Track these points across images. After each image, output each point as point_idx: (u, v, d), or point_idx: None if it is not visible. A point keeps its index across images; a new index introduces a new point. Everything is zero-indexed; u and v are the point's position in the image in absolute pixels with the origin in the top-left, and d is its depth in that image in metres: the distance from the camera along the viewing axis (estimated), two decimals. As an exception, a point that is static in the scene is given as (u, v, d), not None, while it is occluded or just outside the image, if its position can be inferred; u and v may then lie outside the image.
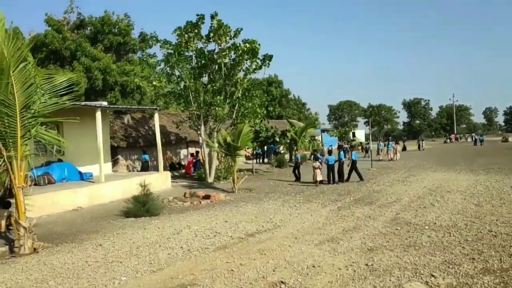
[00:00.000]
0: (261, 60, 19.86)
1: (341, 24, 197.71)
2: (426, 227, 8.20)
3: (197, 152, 23.19)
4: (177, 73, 19.41)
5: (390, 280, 5.37)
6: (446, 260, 6.07)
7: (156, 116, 17.97)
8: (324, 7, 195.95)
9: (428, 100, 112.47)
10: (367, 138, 50.61)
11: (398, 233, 7.86)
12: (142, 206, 10.85)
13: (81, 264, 6.70)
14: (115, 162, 20.81)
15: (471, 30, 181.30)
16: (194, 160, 22.70)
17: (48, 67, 21.33)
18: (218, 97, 18.82)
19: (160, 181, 16.68)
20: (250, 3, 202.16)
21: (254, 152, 28.19)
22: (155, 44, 19.67)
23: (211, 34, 19.09)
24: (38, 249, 7.67)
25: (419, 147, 41.89)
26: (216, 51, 19.36)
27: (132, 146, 22.08)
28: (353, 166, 17.37)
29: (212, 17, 18.96)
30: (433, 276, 5.44)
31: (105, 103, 17.49)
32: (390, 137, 72.14)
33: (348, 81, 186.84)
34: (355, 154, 18.87)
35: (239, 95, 19.88)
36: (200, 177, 19.98)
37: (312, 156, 24.42)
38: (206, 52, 19.43)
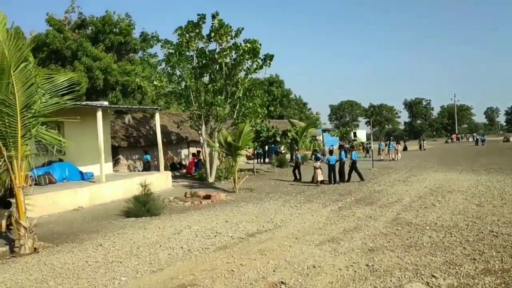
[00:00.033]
0: (262, 60, 19.84)
1: (342, 24, 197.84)
2: (427, 228, 8.17)
3: (198, 152, 23.17)
4: (178, 73, 19.40)
5: (390, 280, 5.35)
6: (447, 261, 6.05)
7: (157, 116, 17.98)
8: (324, 7, 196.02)
9: (430, 100, 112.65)
10: (368, 138, 50.60)
11: (399, 233, 7.84)
12: (142, 206, 10.85)
13: (81, 264, 6.70)
14: (116, 162, 20.82)
15: (472, 30, 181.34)
16: (195, 160, 22.69)
17: (49, 66, 21.38)
18: (219, 97, 18.80)
19: (161, 181, 16.67)
20: (250, 3, 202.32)
21: (255, 152, 28.18)
22: (156, 44, 19.68)
23: (212, 34, 19.08)
24: (38, 249, 7.67)
25: (420, 147, 41.84)
26: (217, 50, 19.34)
27: (133, 146, 22.08)
28: (353, 166, 17.34)
29: (213, 16, 18.95)
30: (434, 276, 5.42)
31: (106, 103, 17.51)
32: (391, 137, 72.13)
33: (349, 81, 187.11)
34: (355, 154, 18.84)
35: (240, 95, 19.86)
36: (201, 177, 19.98)
37: (313, 156, 24.39)
38: (207, 52, 19.41)
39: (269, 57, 19.95)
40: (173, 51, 18.75)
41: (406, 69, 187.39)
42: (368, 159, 25.91)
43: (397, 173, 19.37)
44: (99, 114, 14.34)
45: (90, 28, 25.35)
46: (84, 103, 15.53)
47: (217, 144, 17.87)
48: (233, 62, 19.47)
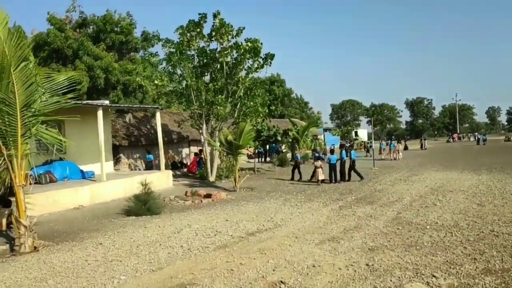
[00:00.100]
0: (263, 59, 19.81)
1: (343, 24, 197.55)
2: (428, 227, 8.15)
3: (200, 151, 23.14)
4: (179, 72, 19.39)
5: (391, 280, 5.34)
6: (447, 260, 6.03)
7: (158, 115, 17.98)
8: (325, 7, 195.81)
9: (431, 99, 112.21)
10: (369, 137, 50.49)
11: (399, 232, 7.82)
12: (143, 205, 10.85)
13: (81, 263, 6.70)
14: (117, 161, 20.83)
15: (474, 29, 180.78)
16: (198, 159, 22.68)
17: (50, 65, 21.39)
18: (220, 96, 18.79)
19: (161, 180, 16.68)
20: (251, 3, 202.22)
21: (256, 151, 28.17)
22: (157, 43, 19.68)
23: (213, 33, 19.06)
24: (38, 248, 7.68)
25: (421, 147, 41.81)
26: (218, 50, 19.33)
27: (134, 145, 22.09)
28: (352, 165, 17.30)
29: (215, 15, 18.92)
30: (434, 276, 5.40)
31: (107, 102, 17.53)
32: (392, 136, 72.03)
33: (350, 80, 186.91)
34: (354, 154, 18.82)
35: (241, 94, 19.85)
36: (202, 176, 19.98)
37: (313, 155, 24.39)
38: (208, 51, 19.40)
39: (270, 56, 19.92)
40: (174, 50, 18.73)
41: (407, 68, 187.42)
42: (369, 158, 25.89)
43: (398, 172, 19.33)
44: (100, 113, 14.35)
45: (91, 27, 25.39)
46: (84, 102, 15.55)
47: (218, 143, 17.88)
48: (234, 61, 19.44)
